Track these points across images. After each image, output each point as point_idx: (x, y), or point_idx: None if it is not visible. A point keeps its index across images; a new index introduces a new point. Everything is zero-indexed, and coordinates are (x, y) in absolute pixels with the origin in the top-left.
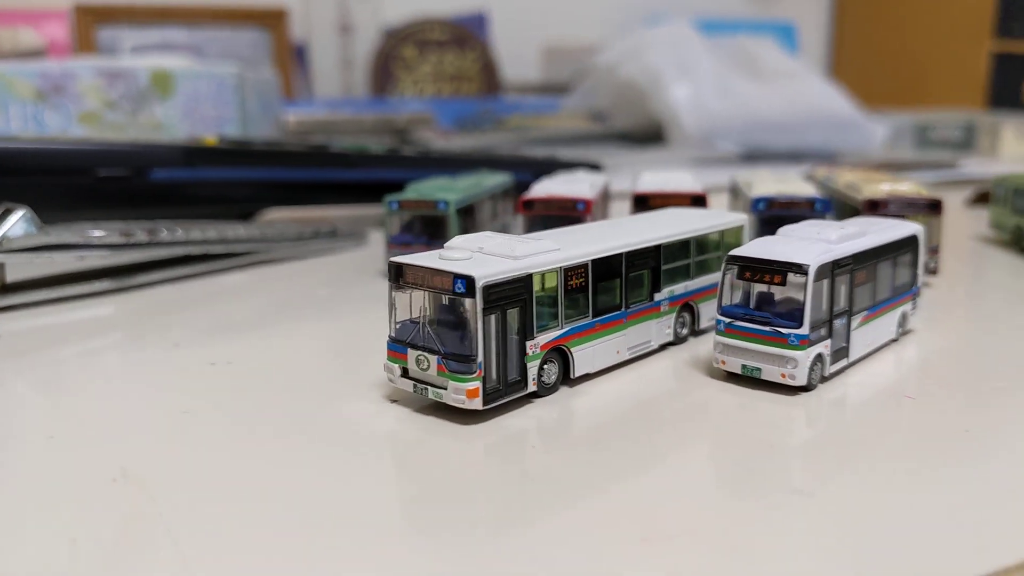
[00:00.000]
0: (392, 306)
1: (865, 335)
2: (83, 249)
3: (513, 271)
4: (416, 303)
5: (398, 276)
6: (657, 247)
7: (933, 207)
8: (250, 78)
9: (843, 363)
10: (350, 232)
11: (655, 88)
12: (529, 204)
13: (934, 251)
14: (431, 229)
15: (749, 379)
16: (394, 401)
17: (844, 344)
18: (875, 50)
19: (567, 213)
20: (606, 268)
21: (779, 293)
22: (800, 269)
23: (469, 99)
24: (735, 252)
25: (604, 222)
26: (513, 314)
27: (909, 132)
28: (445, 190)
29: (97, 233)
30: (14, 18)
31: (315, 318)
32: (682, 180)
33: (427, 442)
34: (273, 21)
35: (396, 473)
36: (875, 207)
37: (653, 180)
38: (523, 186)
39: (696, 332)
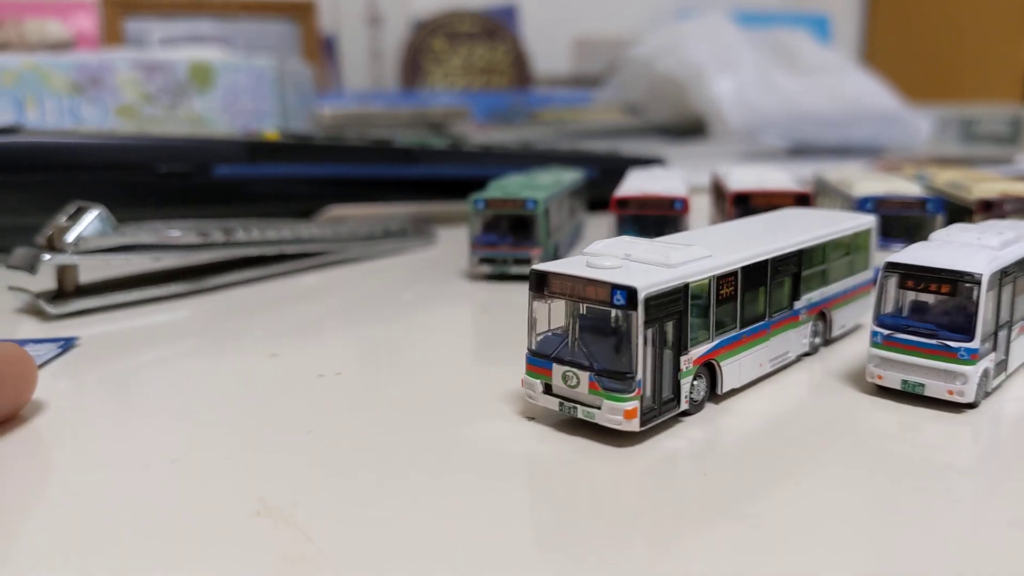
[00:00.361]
0: (532, 317)
1: (1020, 347)
2: (160, 250)
3: (672, 281)
4: (561, 314)
5: (541, 285)
6: (799, 252)
7: None
8: (288, 70)
9: (1002, 377)
10: (419, 231)
11: (696, 82)
12: (623, 203)
13: None
14: (517, 229)
15: (904, 395)
16: (531, 419)
17: (1004, 357)
18: (909, 43)
19: (664, 212)
20: (753, 275)
21: (944, 304)
22: (972, 278)
23: (500, 92)
24: (894, 259)
25: (730, 224)
26: (669, 327)
27: (954, 127)
28: (531, 188)
29: (174, 233)
30: (42, 9)
31: (408, 323)
32: (779, 178)
33: (575, 464)
34: (302, 13)
35: (548, 498)
36: (989, 208)
37: (746, 177)
38: (593, 183)
39: (828, 341)
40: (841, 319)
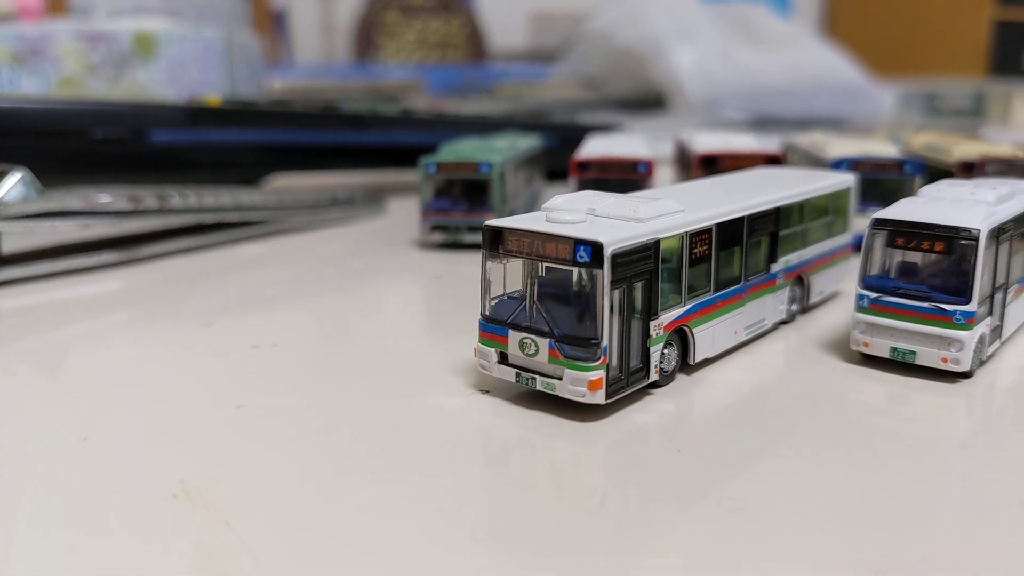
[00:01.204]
0: (487, 279)
1: (1016, 311)
2: (88, 216)
3: (641, 236)
4: (519, 275)
5: (496, 243)
6: (776, 210)
7: None
8: (237, 42)
9: (997, 344)
10: (368, 200)
11: (655, 55)
12: (584, 166)
13: None
14: (472, 194)
15: (892, 364)
16: (485, 392)
17: (1000, 322)
18: (871, 16)
19: (627, 176)
20: (728, 234)
21: (935, 264)
22: (969, 234)
23: (455, 66)
24: (883, 215)
25: (702, 181)
26: (637, 288)
27: (916, 100)
28: (486, 151)
29: (103, 199)
30: None
31: (355, 293)
32: (746, 141)
33: (534, 443)
34: None
35: (503, 480)
36: (971, 169)
37: (713, 140)
38: (551, 152)
39: (805, 308)
40: (820, 284)
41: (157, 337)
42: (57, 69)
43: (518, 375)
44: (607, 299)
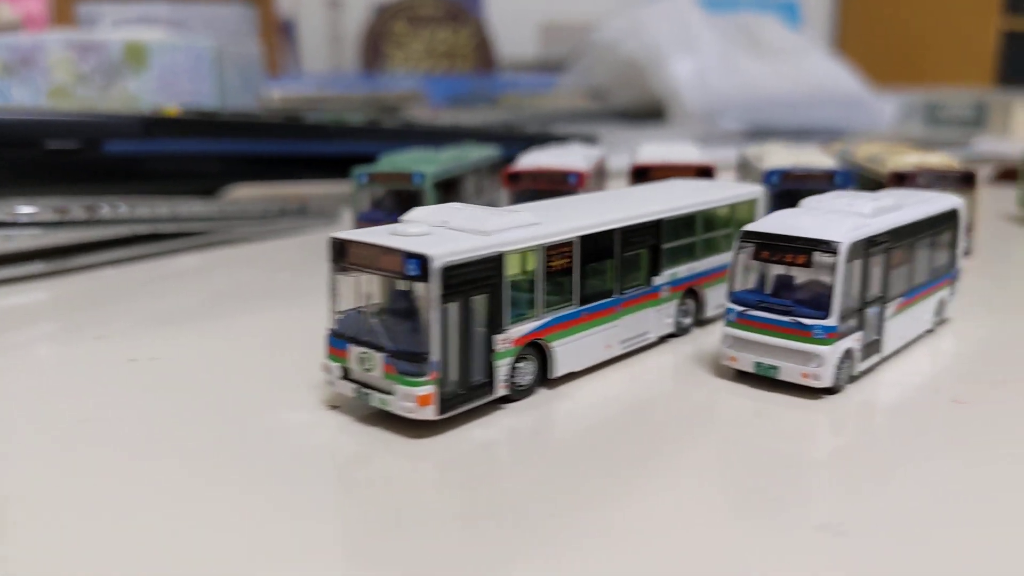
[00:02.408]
0: (334, 293)
1: (900, 325)
2: (10, 228)
3: (480, 249)
4: (361, 289)
5: (340, 255)
6: (657, 222)
7: (966, 180)
8: (229, 52)
9: (875, 359)
10: (321, 210)
11: (656, 65)
12: (515, 177)
13: (967, 230)
14: (406, 205)
15: (765, 379)
16: (335, 407)
17: (876, 337)
18: (881, 27)
19: (557, 187)
20: (596, 247)
21: (803, 276)
22: (829, 247)
23: (463, 76)
24: (751, 227)
25: (596, 194)
26: (479, 302)
27: (918, 111)
28: (422, 162)
29: (27, 210)
30: None
31: (269, 306)
32: (686, 151)
33: (371, 460)
34: None
35: (332, 500)
36: (902, 180)
37: (655, 151)
38: (511, 161)
39: (701, 322)
40: (717, 298)
41: (45, 348)
42: (47, 79)
43: (357, 391)
44: (437, 313)
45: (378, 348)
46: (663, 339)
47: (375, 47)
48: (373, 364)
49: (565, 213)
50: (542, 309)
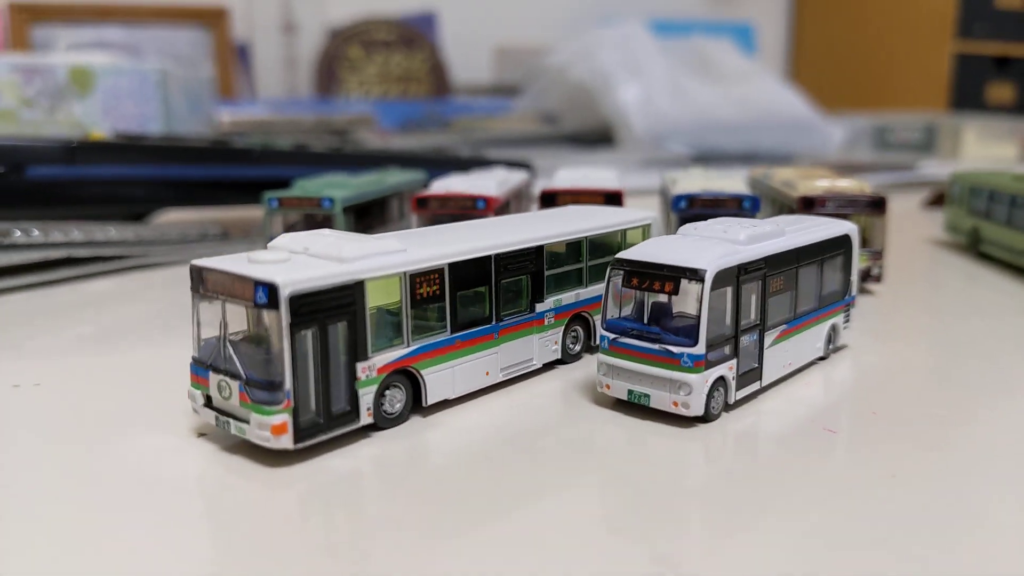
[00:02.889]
0: (196, 320)
1: (783, 353)
2: None
3: (336, 277)
4: (219, 316)
5: (199, 283)
6: (538, 249)
7: (876, 205)
8: (177, 76)
9: (754, 387)
10: (244, 234)
11: (604, 89)
12: (423, 202)
13: (877, 255)
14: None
15: (641, 407)
16: (202, 435)
17: (755, 364)
18: (836, 51)
19: (466, 212)
20: (470, 273)
21: (676, 304)
22: (695, 275)
23: (417, 101)
24: (622, 254)
25: (482, 220)
26: (338, 330)
27: (868, 135)
28: (335, 186)
29: None
30: None
31: (171, 333)
32: (602, 177)
33: (235, 489)
34: (213, 20)
35: (190, 528)
36: (811, 205)
37: (568, 176)
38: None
39: (593, 348)
40: None
41: None
42: None
43: (217, 419)
44: (287, 341)
45: (234, 376)
46: (551, 365)
47: (329, 71)
48: (230, 392)
49: (440, 240)
50: (410, 337)
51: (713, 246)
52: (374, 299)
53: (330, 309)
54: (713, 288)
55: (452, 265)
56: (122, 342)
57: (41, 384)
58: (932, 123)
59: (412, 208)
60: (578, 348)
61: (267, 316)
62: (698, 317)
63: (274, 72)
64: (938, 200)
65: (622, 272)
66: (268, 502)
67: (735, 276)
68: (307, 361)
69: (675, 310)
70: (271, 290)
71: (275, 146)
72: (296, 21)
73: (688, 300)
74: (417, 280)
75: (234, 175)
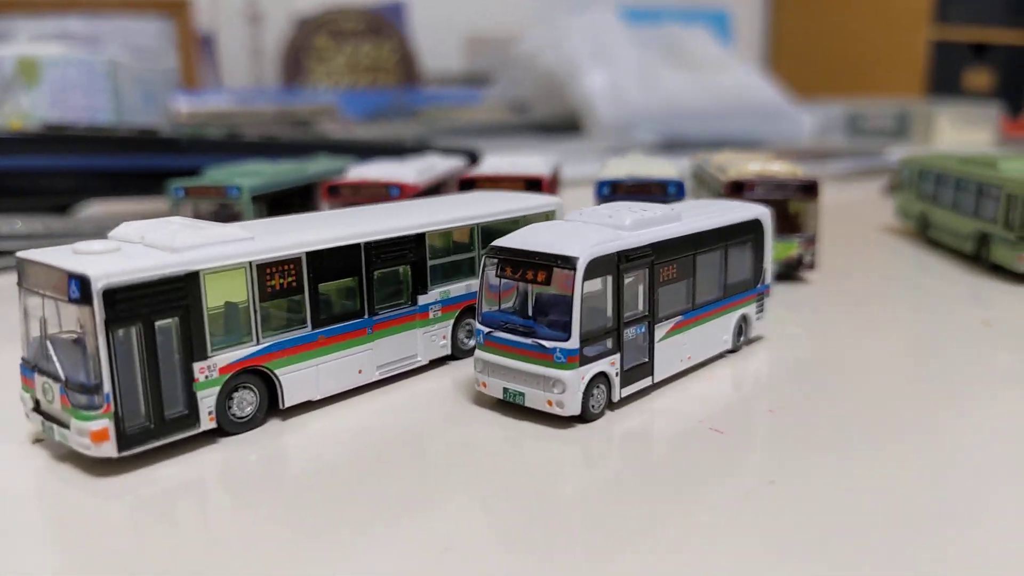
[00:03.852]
0: (24, 316)
1: (679, 347)
2: None
3: (161, 268)
4: (40, 313)
5: (23, 277)
6: (418, 236)
7: (807, 189)
8: (130, 67)
9: (645, 383)
10: None
11: (572, 77)
12: (334, 189)
13: (810, 242)
14: (229, 221)
15: (520, 407)
16: (39, 441)
17: (645, 359)
18: (814, 39)
19: (379, 200)
20: (335, 264)
21: (548, 295)
22: (567, 263)
23: (386, 90)
24: (496, 242)
25: (367, 207)
26: (168, 327)
27: (841, 121)
28: (246, 175)
29: None
30: None
31: None
32: (529, 164)
33: (67, 498)
34: (176, 9)
35: (15, 545)
36: (739, 189)
37: (494, 163)
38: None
39: None
40: None
41: None
42: None
43: (43, 424)
44: (103, 340)
45: (55, 378)
46: (442, 362)
47: (296, 61)
48: (53, 395)
49: (301, 227)
50: (260, 333)
51: (593, 232)
52: (214, 292)
53: (157, 304)
54: (587, 277)
55: (311, 254)
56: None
57: None
58: (905, 109)
59: (323, 196)
60: (472, 343)
61: (81, 312)
62: (570, 309)
63: (240, 62)
64: (895, 185)
65: (496, 260)
66: (101, 514)
67: (615, 264)
68: (131, 361)
69: (552, 301)
70: (83, 283)
71: (205, 136)
72: (262, 11)
73: (563, 291)
74: (267, 271)
75: (161, 165)
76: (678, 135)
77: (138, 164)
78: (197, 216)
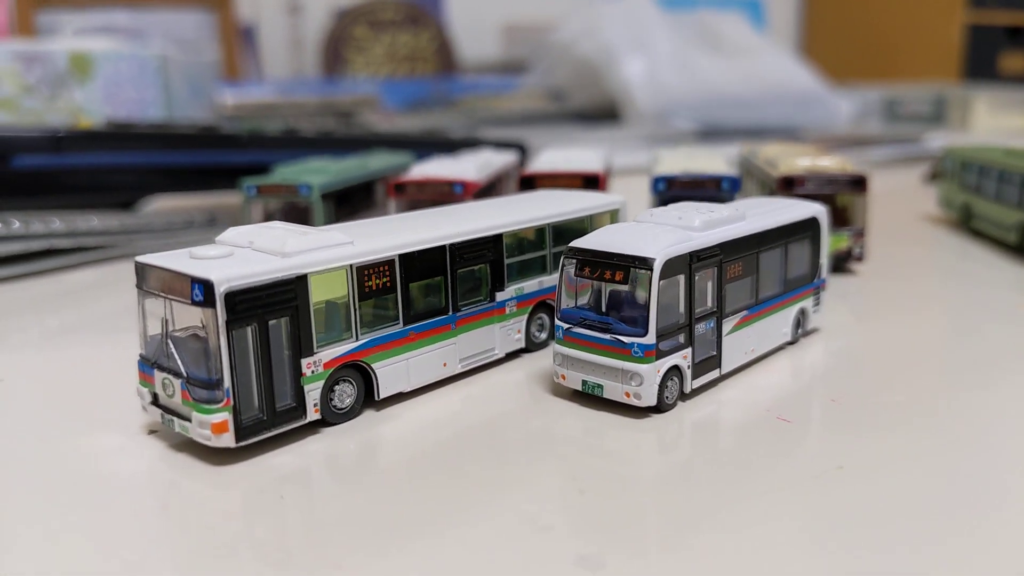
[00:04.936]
0: (142, 316)
1: (744, 340)
2: None
3: (275, 272)
4: (162, 313)
5: (142, 279)
6: (496, 237)
7: (856, 184)
8: (178, 60)
9: (713, 375)
10: (232, 222)
11: (609, 65)
12: (400, 187)
13: (859, 235)
14: (296, 219)
15: (596, 398)
16: (153, 432)
17: (713, 352)
18: (847, 24)
19: (443, 198)
20: (423, 264)
21: (625, 293)
22: (644, 264)
23: (424, 79)
24: (575, 243)
25: (446, 208)
26: (279, 326)
27: (878, 107)
28: (313, 172)
29: None
30: None
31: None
32: (584, 158)
33: (181, 487)
34: (218, 2)
35: (138, 527)
36: (790, 185)
37: (550, 159)
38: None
39: None
40: None
41: None
42: None
43: (163, 416)
44: (224, 339)
45: (176, 374)
46: (516, 354)
47: (336, 52)
48: (173, 390)
49: (390, 230)
50: (359, 330)
51: (665, 233)
52: (318, 293)
53: (271, 305)
54: (663, 277)
55: (403, 256)
56: (95, 335)
57: (4, 380)
58: (942, 95)
59: (389, 193)
60: (544, 336)
61: (204, 314)
62: (647, 306)
63: (280, 54)
64: (937, 175)
65: (575, 261)
66: (216, 501)
67: (687, 264)
68: (247, 358)
69: (628, 299)
70: (207, 287)
71: (264, 131)
72: (301, 2)
73: (635, 289)
74: (365, 272)
75: (222, 161)
76: (715, 122)
77: (200, 160)
78: (267, 213)
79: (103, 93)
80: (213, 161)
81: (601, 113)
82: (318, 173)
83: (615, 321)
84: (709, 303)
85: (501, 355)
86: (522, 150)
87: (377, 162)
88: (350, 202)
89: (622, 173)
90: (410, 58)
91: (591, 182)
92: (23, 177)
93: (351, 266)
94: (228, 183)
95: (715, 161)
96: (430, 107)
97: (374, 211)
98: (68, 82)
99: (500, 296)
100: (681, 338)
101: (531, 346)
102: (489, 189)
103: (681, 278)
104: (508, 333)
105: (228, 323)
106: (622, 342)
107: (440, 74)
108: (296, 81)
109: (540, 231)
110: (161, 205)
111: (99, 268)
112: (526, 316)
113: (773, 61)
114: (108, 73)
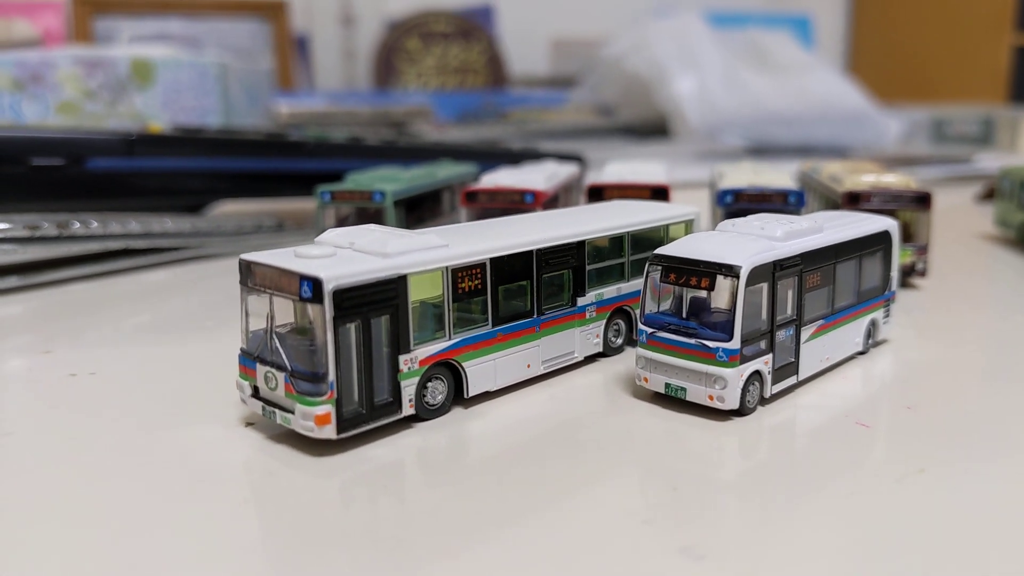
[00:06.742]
0: (244, 312)
1: (820, 348)
2: None
3: (379, 272)
4: (266, 309)
5: (247, 276)
6: (579, 244)
7: (921, 201)
8: (236, 68)
9: (791, 381)
10: (299, 226)
11: (660, 81)
12: (472, 196)
13: (922, 251)
14: (368, 224)
15: (678, 400)
16: (250, 424)
17: (792, 359)
18: (894, 44)
19: (514, 206)
20: (511, 268)
21: (709, 299)
22: (731, 271)
23: (474, 92)
24: (661, 250)
25: (526, 215)
26: (380, 323)
27: (925, 127)
28: (385, 180)
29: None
30: (10, 9)
31: (223, 324)
32: (650, 171)
33: (279, 477)
34: (273, 12)
35: (237, 515)
36: (856, 200)
37: (616, 170)
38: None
39: (634, 341)
40: None
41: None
42: (56, 95)
43: (264, 408)
44: (331, 334)
45: (280, 368)
46: (593, 358)
47: (388, 63)
48: (276, 383)
49: (481, 235)
50: (452, 330)
51: (750, 242)
52: (416, 293)
53: (373, 303)
54: (748, 284)
55: (494, 260)
56: (176, 332)
57: (96, 373)
58: (990, 116)
59: (461, 202)
60: (620, 341)
61: (312, 310)
62: (733, 312)
63: (333, 64)
64: (990, 194)
65: (660, 267)
66: (312, 490)
67: (771, 272)
68: (350, 353)
69: (713, 305)
70: (316, 285)
71: (329, 139)
72: (355, 13)
73: (720, 296)
74: (459, 274)
75: (288, 168)
76: (765, 140)
77: (267, 166)
78: (339, 218)
79: (163, 99)
80: (279, 167)
81: (650, 128)
82: (390, 181)
83: (699, 326)
84: (789, 311)
85: (580, 358)
86: (581, 162)
87: (444, 172)
88: (419, 209)
89: (674, 187)
90: (461, 70)
91: (659, 193)
92: (97, 179)
93: (447, 268)
94: (293, 189)
95: (781, 176)
96: (481, 119)
97: (442, 219)
98: (129, 88)
99: (581, 301)
100: (763, 344)
101: (608, 351)
102: (555, 199)
103: (764, 286)
104: (587, 337)
105: (334, 319)
106: (707, 347)
107: (490, 87)
108: (348, 92)
109: (619, 239)
110: (227, 209)
111: (172, 269)
112: (604, 321)
113: (822, 79)
114: (168, 80)
